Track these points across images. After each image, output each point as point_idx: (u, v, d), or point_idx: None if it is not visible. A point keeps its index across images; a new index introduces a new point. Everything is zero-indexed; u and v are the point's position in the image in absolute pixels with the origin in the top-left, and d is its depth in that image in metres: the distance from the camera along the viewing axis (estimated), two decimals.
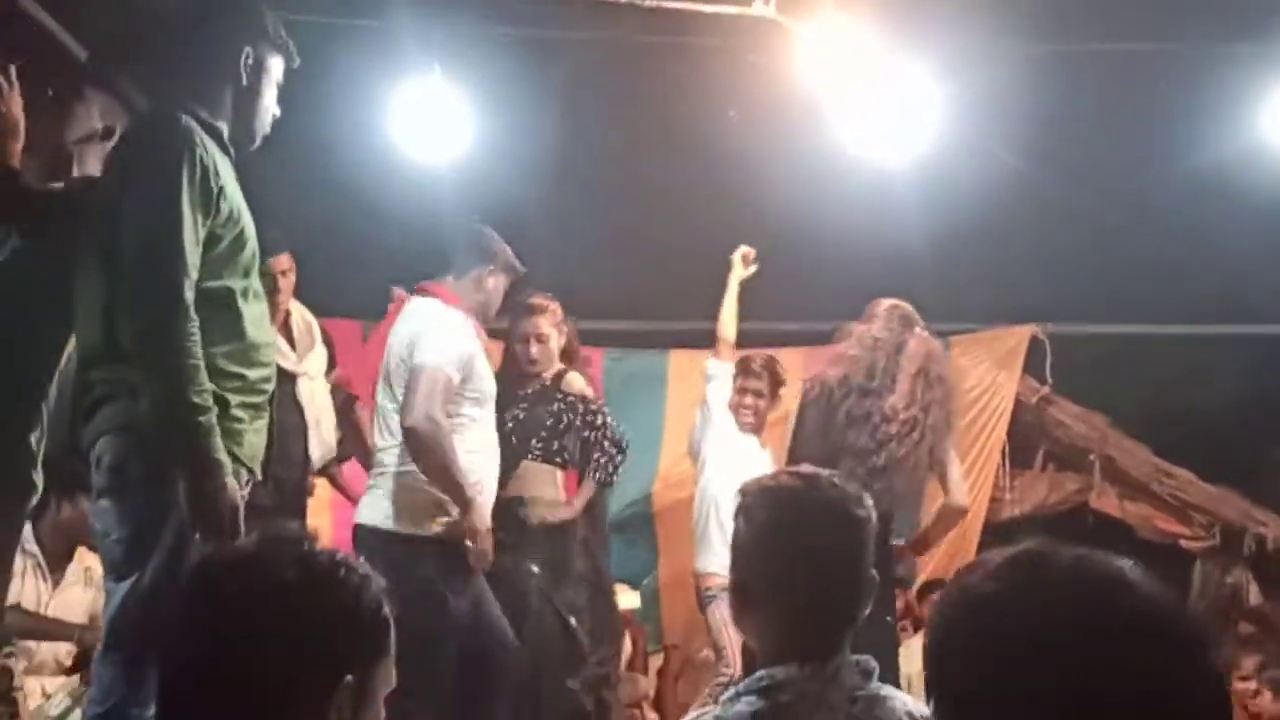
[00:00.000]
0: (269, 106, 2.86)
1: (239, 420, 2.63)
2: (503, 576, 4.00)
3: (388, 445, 3.79)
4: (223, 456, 2.53)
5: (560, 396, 4.50)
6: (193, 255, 2.55)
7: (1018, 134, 5.46)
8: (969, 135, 5.40)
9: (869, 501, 1.96)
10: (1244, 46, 5.00)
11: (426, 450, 3.60)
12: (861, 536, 1.91)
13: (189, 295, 2.53)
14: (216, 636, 1.30)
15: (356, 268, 4.60)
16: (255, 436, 2.70)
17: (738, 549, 1.96)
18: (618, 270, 6.15)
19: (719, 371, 5.16)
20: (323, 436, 4.37)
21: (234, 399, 2.62)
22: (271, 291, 4.19)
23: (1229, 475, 6.65)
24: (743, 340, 5.35)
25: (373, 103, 5.29)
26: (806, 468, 2.06)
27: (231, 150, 2.77)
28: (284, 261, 4.38)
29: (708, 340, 5.29)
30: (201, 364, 2.53)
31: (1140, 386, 6.81)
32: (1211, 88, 5.13)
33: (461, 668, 3.65)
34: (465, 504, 3.61)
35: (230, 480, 2.54)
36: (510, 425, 4.30)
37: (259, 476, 2.77)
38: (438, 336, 3.73)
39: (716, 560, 4.75)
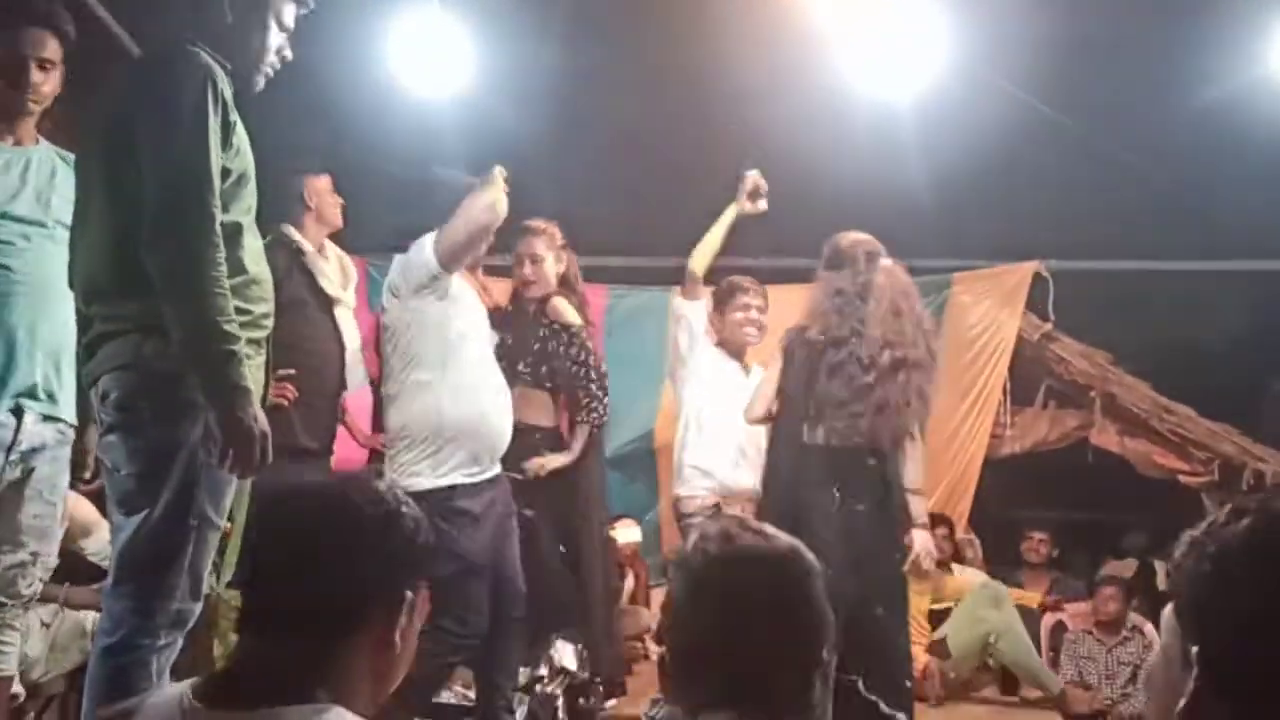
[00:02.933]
0: (271, 48, 2.82)
1: (246, 356, 2.64)
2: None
3: (392, 412, 3.94)
4: (250, 385, 2.56)
5: (546, 322, 4.47)
6: (219, 187, 2.56)
7: (1020, 68, 5.41)
8: (972, 69, 5.35)
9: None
10: None
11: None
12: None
13: (219, 228, 2.54)
14: (307, 561, 1.57)
15: (356, 204, 4.58)
16: (258, 372, 2.71)
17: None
18: (619, 206, 6.13)
19: (688, 311, 5.02)
20: (358, 364, 4.42)
21: (242, 334, 2.62)
22: (325, 213, 4.37)
23: (1229, 412, 6.66)
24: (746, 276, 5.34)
25: (372, 35, 5.23)
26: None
27: (233, 87, 2.75)
28: (326, 182, 4.43)
29: (710, 277, 5.23)
30: (229, 295, 2.54)
31: (1142, 323, 6.81)
32: (1218, 20, 5.07)
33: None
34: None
35: (258, 408, 2.57)
36: (500, 349, 4.31)
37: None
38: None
39: (688, 485, 4.84)
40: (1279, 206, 5.80)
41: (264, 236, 4.13)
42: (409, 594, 1.63)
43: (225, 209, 2.61)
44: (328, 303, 4.28)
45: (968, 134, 5.46)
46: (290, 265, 4.25)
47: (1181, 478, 6.64)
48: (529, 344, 4.43)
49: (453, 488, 3.80)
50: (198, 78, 2.56)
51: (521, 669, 4.25)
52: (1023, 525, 7.07)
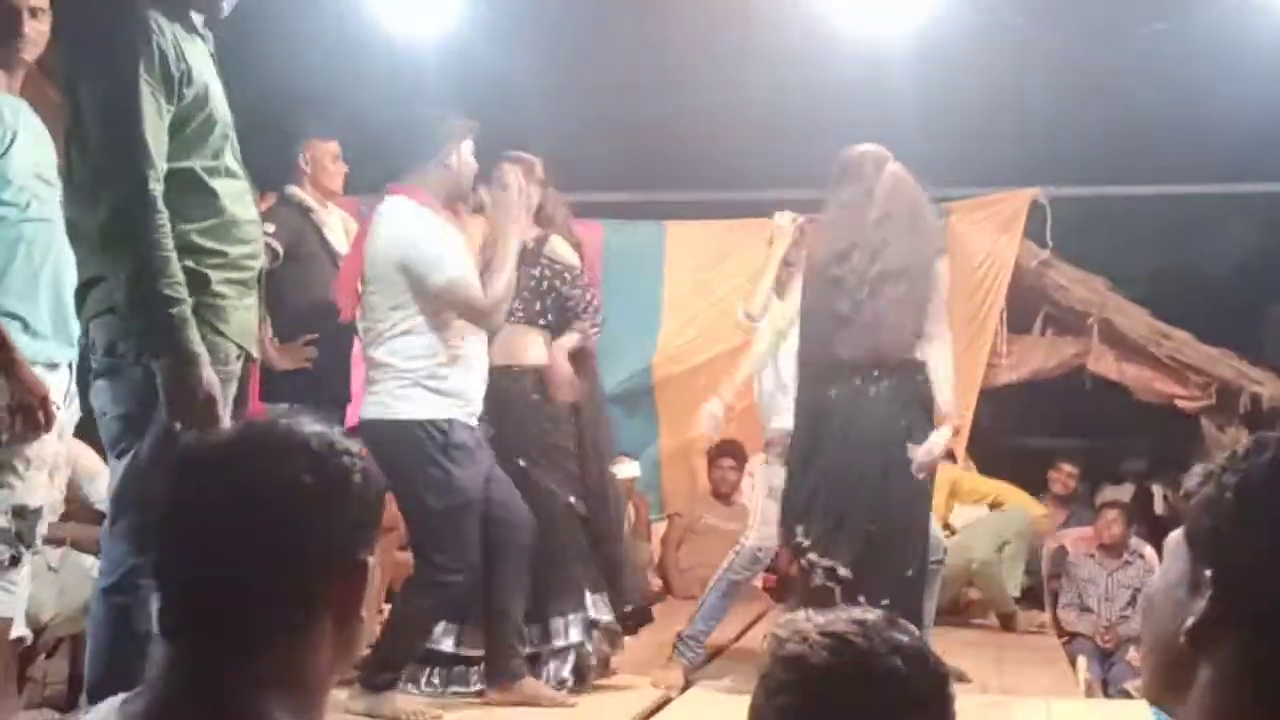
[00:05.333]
0: None
1: (223, 297, 2.62)
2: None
3: (381, 349, 3.86)
4: (198, 348, 2.51)
5: (546, 261, 4.38)
6: (157, 146, 2.52)
7: None
8: None
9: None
10: None
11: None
12: None
13: (155, 187, 2.50)
14: (246, 542, 1.26)
15: (346, 145, 4.56)
16: (245, 314, 2.69)
17: None
18: (613, 141, 6.09)
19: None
20: None
21: (215, 275, 2.61)
22: (322, 180, 4.44)
23: (1227, 336, 6.67)
24: (741, 209, 5.33)
25: None
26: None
27: (199, 30, 2.70)
28: (332, 148, 4.49)
29: (703, 211, 5.20)
30: (172, 256, 2.50)
31: (1140, 248, 6.80)
32: None
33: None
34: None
35: (207, 371, 2.53)
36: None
37: (254, 354, 2.79)
38: (437, 250, 3.81)
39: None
40: (1276, 129, 5.76)
41: (269, 195, 4.22)
42: (369, 558, 1.34)
43: (184, 156, 2.58)
44: (335, 257, 4.35)
45: (964, 62, 5.42)
46: (302, 222, 4.36)
47: (1179, 402, 6.66)
48: (525, 281, 4.34)
49: (450, 421, 3.79)
50: (127, 41, 2.51)
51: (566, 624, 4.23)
52: (1027, 454, 7.09)
